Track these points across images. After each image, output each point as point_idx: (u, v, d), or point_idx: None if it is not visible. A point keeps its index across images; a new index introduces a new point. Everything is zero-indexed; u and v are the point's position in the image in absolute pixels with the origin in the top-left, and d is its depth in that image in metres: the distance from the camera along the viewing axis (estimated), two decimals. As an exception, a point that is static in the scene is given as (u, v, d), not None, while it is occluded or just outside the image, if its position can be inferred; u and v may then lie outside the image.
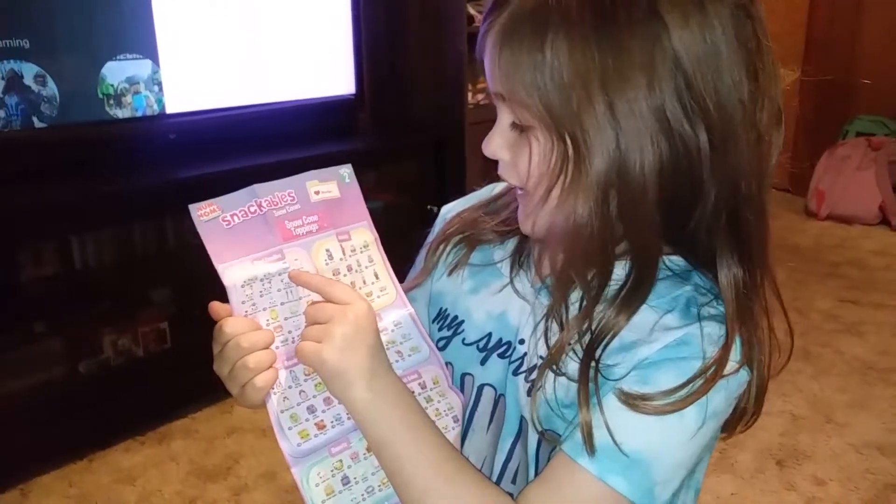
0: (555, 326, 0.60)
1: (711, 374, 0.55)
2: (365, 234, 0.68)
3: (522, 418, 0.63)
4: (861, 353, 2.58)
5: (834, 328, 2.77)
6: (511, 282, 0.67)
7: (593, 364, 0.57)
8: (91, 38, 2.02)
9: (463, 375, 0.70)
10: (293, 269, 0.63)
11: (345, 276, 0.66)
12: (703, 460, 0.63)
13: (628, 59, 0.52)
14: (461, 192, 0.79)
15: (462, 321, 0.70)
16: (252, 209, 0.64)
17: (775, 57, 0.56)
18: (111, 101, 2.08)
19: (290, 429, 0.61)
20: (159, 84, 2.16)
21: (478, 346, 0.68)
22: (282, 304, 0.63)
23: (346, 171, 0.68)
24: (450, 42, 2.76)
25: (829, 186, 3.95)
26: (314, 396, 0.62)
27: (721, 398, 0.56)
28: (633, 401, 0.55)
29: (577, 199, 0.55)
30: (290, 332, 0.63)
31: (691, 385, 0.54)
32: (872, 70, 4.02)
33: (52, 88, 1.95)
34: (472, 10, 2.77)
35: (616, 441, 0.55)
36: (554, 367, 0.59)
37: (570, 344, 0.58)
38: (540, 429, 0.61)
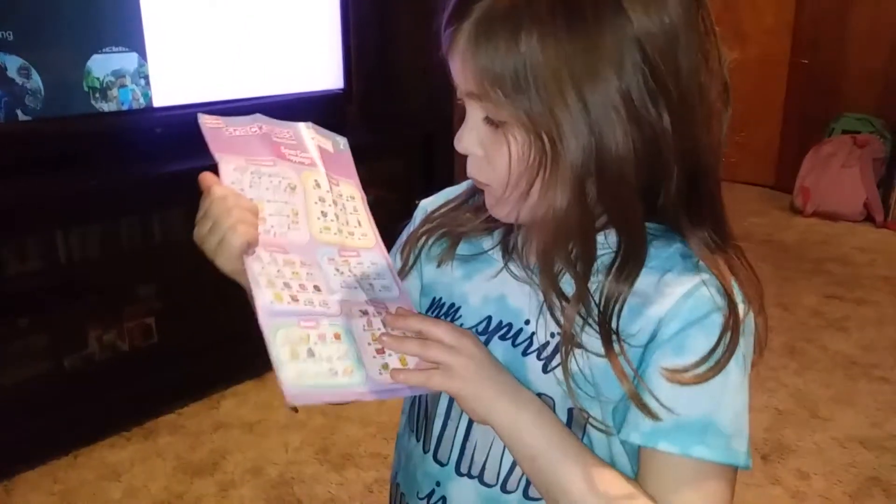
0: (559, 304, 0.62)
1: (733, 324, 0.58)
2: (352, 189, 0.72)
3: (539, 395, 0.65)
4: (845, 348, 2.61)
5: (818, 324, 2.79)
6: (506, 266, 0.69)
7: (615, 338, 0.59)
8: (76, 31, 2.00)
9: None
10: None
11: (330, 205, 0.69)
12: None
13: (598, 55, 0.55)
14: (449, 186, 0.79)
15: (458, 307, 0.71)
16: (253, 129, 0.69)
17: (719, 38, 0.60)
18: (97, 95, 2.06)
19: (266, 286, 0.61)
20: (146, 77, 2.15)
21: (477, 330, 0.68)
22: (269, 200, 0.66)
23: (342, 140, 0.72)
24: (438, 36, 2.75)
25: (815, 183, 3.97)
26: (291, 278, 0.63)
27: (744, 339, 0.60)
28: (678, 375, 0.58)
29: (557, 192, 0.58)
30: (272, 226, 0.65)
31: (723, 341, 0.57)
32: (859, 68, 4.05)
33: (36, 81, 1.94)
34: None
35: (680, 414, 0.58)
36: (572, 344, 0.61)
37: (580, 315, 0.60)
38: (573, 405, 0.63)
